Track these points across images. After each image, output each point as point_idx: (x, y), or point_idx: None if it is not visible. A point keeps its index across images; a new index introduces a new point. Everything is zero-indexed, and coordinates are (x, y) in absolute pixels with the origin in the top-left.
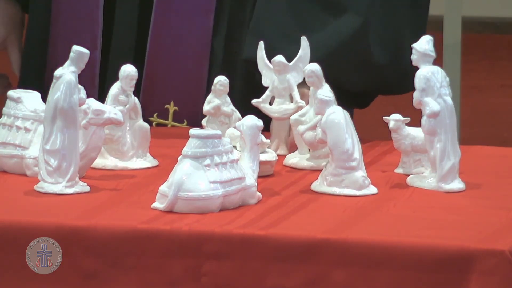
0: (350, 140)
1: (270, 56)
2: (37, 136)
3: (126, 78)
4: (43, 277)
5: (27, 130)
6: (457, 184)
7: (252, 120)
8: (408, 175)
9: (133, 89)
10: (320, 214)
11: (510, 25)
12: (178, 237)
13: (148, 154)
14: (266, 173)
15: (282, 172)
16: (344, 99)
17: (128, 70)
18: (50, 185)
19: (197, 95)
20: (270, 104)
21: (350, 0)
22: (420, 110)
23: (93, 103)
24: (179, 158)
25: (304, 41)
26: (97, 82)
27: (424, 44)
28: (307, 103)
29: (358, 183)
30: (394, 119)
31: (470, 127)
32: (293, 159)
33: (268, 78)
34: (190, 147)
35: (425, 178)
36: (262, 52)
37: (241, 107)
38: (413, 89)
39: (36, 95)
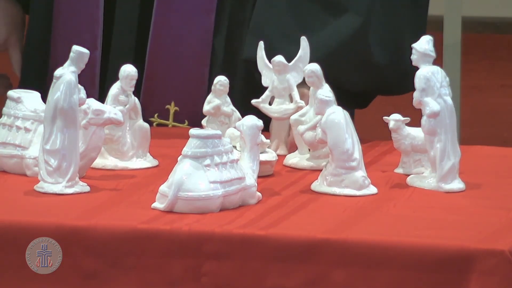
0: (350, 140)
1: (270, 56)
2: (37, 136)
3: (126, 78)
4: (43, 277)
5: (27, 130)
6: (457, 184)
7: (252, 120)
8: (408, 175)
9: (133, 89)
10: (320, 214)
11: (510, 25)
12: (178, 237)
13: (148, 154)
14: (266, 173)
15: (282, 172)
16: (344, 99)
17: (128, 70)
18: (50, 185)
19: (198, 95)
20: (270, 104)
21: (350, 0)
22: (420, 110)
23: (93, 103)
24: (179, 158)
25: (304, 41)
26: (98, 82)
27: (424, 44)
28: (307, 103)
29: (358, 183)
30: (394, 119)
31: (470, 127)
32: (293, 159)
33: (268, 78)
34: (190, 147)
35: (425, 178)
36: (262, 52)
37: (241, 107)
38: (413, 89)
39: (36, 95)
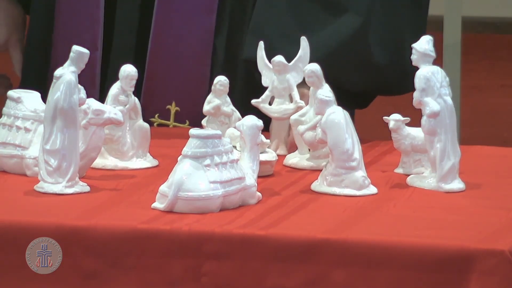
0: (350, 140)
1: (270, 56)
2: (37, 136)
3: (126, 78)
4: (43, 277)
5: (27, 130)
6: (457, 184)
7: (252, 120)
8: (408, 175)
9: (133, 89)
10: (320, 214)
11: (510, 25)
12: (178, 237)
13: (148, 154)
14: (266, 173)
15: (282, 172)
16: (344, 99)
17: (128, 70)
18: (50, 185)
19: (199, 95)
20: (270, 104)
21: (350, 0)
22: (420, 110)
23: (93, 103)
24: (179, 158)
25: (304, 41)
26: (98, 82)
27: (424, 44)
28: (307, 103)
29: (358, 183)
30: (394, 119)
31: (470, 127)
32: (293, 159)
33: (268, 78)
34: (190, 147)
35: (425, 178)
36: (262, 52)
37: (241, 107)
38: (413, 89)
39: (36, 95)
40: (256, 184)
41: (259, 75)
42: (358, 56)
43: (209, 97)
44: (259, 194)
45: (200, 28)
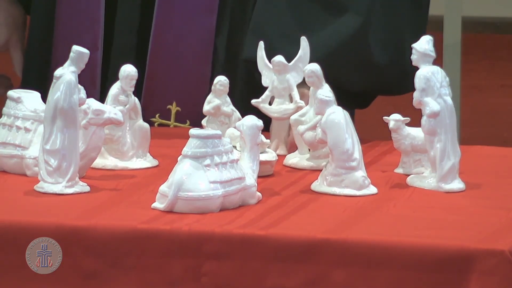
0: (350, 140)
1: (270, 56)
2: (37, 136)
3: (126, 78)
4: (43, 277)
5: (27, 130)
6: (457, 184)
7: (252, 120)
8: (408, 175)
9: (133, 89)
10: (320, 214)
11: (510, 25)
12: (178, 237)
13: (148, 154)
14: (266, 173)
15: (282, 172)
16: (344, 99)
17: (128, 70)
18: (50, 185)
19: (200, 95)
20: (270, 104)
21: (350, 0)
22: (420, 110)
23: (93, 103)
24: (179, 158)
25: (304, 41)
26: (99, 83)
27: (424, 44)
28: (307, 103)
29: (358, 183)
30: (394, 119)
31: (470, 127)
32: (293, 159)
33: (268, 78)
34: (190, 147)
35: (425, 178)
36: (262, 52)
37: (241, 107)
38: (413, 89)
39: (36, 95)
40: (256, 184)
41: (259, 75)
42: (358, 56)
43: (209, 97)
44: (259, 194)
45: (200, 28)
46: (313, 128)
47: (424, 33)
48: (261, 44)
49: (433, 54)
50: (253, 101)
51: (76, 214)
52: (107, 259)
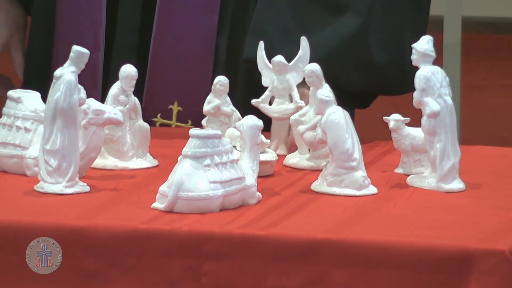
0: (350, 140)
1: (270, 56)
2: (37, 136)
3: (126, 78)
4: (43, 277)
5: (27, 130)
6: (457, 184)
7: (252, 120)
8: (408, 175)
9: (133, 89)
10: (320, 214)
11: (510, 25)
12: (178, 237)
13: (148, 154)
14: (266, 173)
15: (282, 172)
16: (344, 99)
17: (128, 70)
18: (50, 185)
19: (201, 95)
20: (270, 104)
21: (350, 0)
22: (420, 110)
23: (93, 103)
24: (179, 158)
25: (304, 41)
26: (100, 83)
27: (424, 44)
28: (307, 103)
29: (358, 183)
30: (394, 119)
31: (470, 127)
32: (293, 159)
33: (268, 78)
34: (190, 147)
35: (425, 178)
36: (262, 52)
37: (241, 107)
38: (413, 89)
39: (36, 95)
40: (256, 184)
41: (259, 75)
42: (358, 56)
43: (209, 97)
44: (259, 194)
45: (202, 28)
46: (313, 128)
47: (424, 33)
48: (261, 44)
49: (433, 54)
50: (253, 101)
51: (76, 214)
52: (107, 259)
